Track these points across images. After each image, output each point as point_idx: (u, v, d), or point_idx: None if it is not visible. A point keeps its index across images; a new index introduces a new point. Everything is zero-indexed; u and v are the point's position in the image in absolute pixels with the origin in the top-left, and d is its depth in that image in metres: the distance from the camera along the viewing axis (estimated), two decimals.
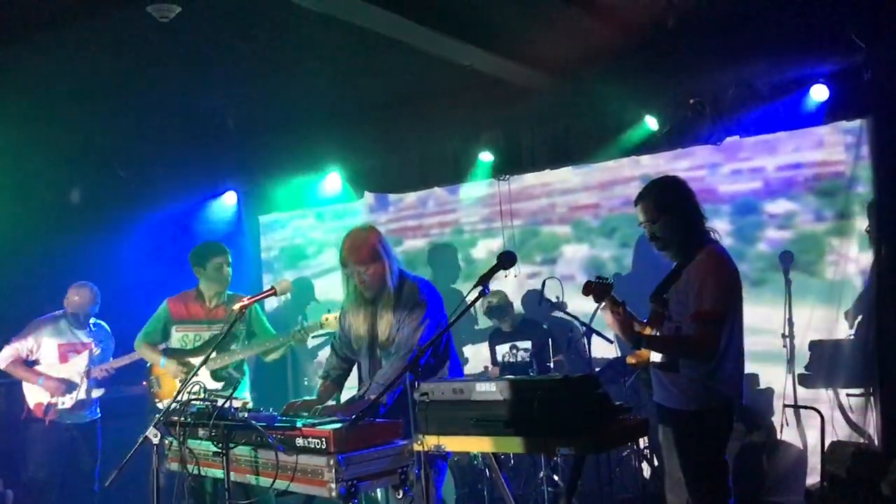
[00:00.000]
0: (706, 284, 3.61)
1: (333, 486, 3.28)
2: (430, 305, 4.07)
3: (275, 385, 7.73)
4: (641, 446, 6.57)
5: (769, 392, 6.39)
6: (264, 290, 4.18)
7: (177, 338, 5.37)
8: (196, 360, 5.13)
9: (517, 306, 7.19)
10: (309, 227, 8.69)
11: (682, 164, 6.60)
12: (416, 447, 3.25)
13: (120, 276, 7.04)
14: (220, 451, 3.58)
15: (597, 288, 3.84)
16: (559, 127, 6.72)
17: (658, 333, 3.79)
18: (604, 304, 3.84)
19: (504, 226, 7.52)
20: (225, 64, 6.08)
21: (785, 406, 6.07)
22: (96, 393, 6.20)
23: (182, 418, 3.71)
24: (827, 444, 5.54)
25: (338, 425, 3.43)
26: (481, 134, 6.98)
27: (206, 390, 3.98)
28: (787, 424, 6.04)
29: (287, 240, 8.82)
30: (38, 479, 6.06)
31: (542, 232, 7.43)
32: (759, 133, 6.27)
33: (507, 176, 7.38)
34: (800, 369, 6.21)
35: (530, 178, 7.42)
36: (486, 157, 6.99)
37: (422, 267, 7.81)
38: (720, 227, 6.29)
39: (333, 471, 3.28)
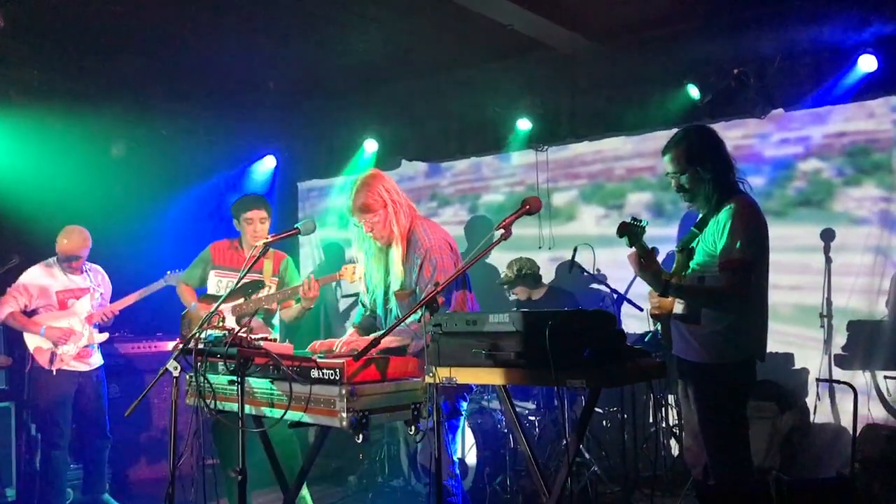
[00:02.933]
0: (734, 233, 3.54)
1: (344, 415, 3.29)
2: (442, 249, 3.99)
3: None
4: (670, 423, 6.50)
5: (804, 372, 6.24)
6: (289, 230, 4.16)
7: (213, 282, 5.41)
8: (223, 309, 5.14)
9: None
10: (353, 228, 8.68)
11: (734, 132, 6.42)
12: (428, 379, 3.22)
13: (156, 232, 7.13)
14: (235, 380, 3.60)
15: (631, 229, 3.77)
16: (601, 96, 6.62)
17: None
18: (633, 249, 3.76)
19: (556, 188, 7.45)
20: (268, 25, 6.11)
21: (818, 380, 5.91)
22: (100, 338, 6.15)
23: (200, 346, 3.72)
24: (861, 426, 5.39)
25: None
26: (520, 102, 6.91)
27: (223, 320, 3.98)
28: (820, 400, 5.88)
29: (324, 207, 8.84)
30: (47, 430, 6.02)
31: (606, 187, 7.26)
32: (803, 107, 6.11)
33: (545, 146, 7.32)
34: (837, 350, 6.06)
35: (581, 147, 7.30)
36: (524, 124, 6.92)
37: (478, 235, 7.73)
38: (757, 182, 6.26)
39: (345, 400, 3.28)
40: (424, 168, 8.18)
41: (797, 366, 6.28)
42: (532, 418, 6.11)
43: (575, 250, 6.06)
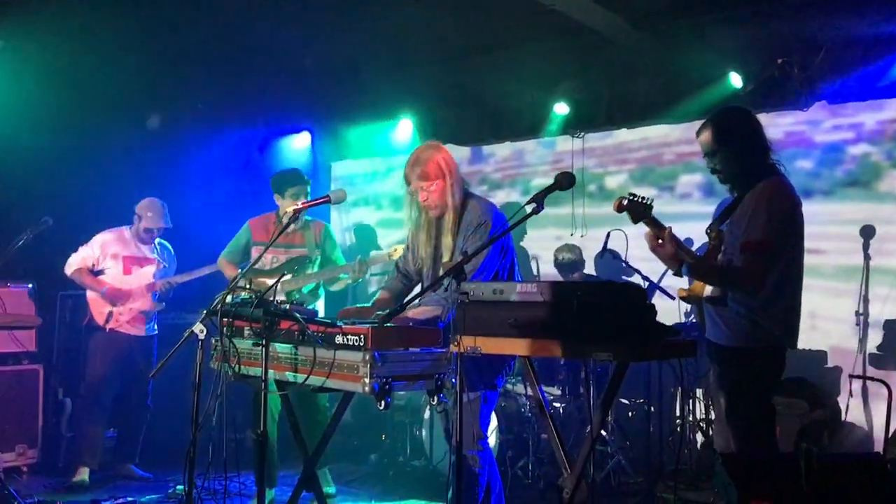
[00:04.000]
0: (757, 214, 3.45)
1: (367, 381, 3.26)
2: (495, 226, 3.96)
3: None
4: (697, 417, 6.41)
5: (837, 371, 6.12)
6: (319, 197, 4.17)
7: (254, 257, 5.51)
8: (270, 280, 5.23)
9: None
10: (381, 176, 8.68)
11: (786, 119, 6.31)
12: (453, 347, 3.18)
13: (190, 203, 7.16)
14: (259, 343, 3.59)
15: (630, 205, 3.70)
16: (639, 83, 6.54)
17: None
18: (649, 230, 3.68)
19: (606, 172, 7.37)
20: (307, 2, 6.10)
21: (852, 376, 5.78)
22: (157, 307, 6.31)
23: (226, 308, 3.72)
24: (894, 424, 5.27)
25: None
26: (558, 87, 6.84)
27: (250, 283, 3.98)
28: (852, 396, 5.76)
29: (358, 188, 8.82)
30: (94, 386, 6.18)
31: (657, 170, 7.13)
32: (847, 100, 5.99)
33: (582, 133, 7.24)
34: (872, 349, 5.94)
35: (624, 135, 7.20)
36: (561, 108, 6.84)
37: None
38: (805, 165, 6.23)
39: (368, 366, 3.26)
40: (467, 154, 8.12)
41: (830, 364, 6.16)
42: (557, 405, 6.05)
43: (608, 236, 5.97)
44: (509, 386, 6.08)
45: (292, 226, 5.33)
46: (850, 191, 6.18)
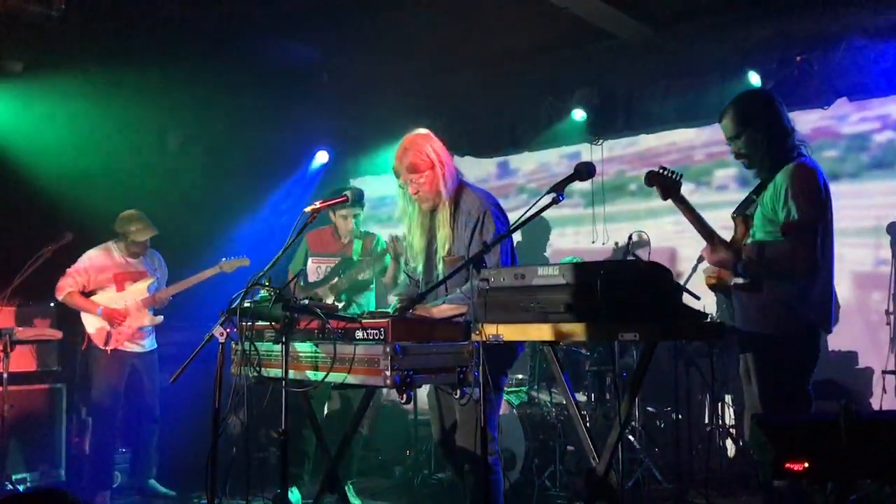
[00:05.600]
0: (793, 195, 3.39)
1: (388, 373, 3.20)
2: (496, 214, 3.80)
3: None
4: (727, 423, 6.29)
5: (868, 372, 5.99)
6: (337, 198, 4.17)
7: (312, 268, 5.76)
8: (321, 291, 5.57)
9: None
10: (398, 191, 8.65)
11: (812, 116, 6.22)
12: (474, 336, 3.11)
13: (211, 220, 7.20)
14: (279, 341, 3.54)
15: (659, 179, 3.63)
16: (658, 86, 6.50)
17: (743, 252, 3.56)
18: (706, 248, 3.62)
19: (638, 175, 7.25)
20: (320, 16, 6.14)
21: (885, 372, 5.65)
22: (155, 321, 6.17)
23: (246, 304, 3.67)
24: None
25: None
26: (574, 94, 6.81)
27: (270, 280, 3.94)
28: (886, 392, 5.62)
29: (376, 205, 8.80)
30: (101, 408, 6.04)
31: (691, 168, 6.96)
32: (869, 96, 5.93)
33: (601, 140, 7.19)
34: None
35: (651, 140, 7.12)
36: (578, 114, 6.81)
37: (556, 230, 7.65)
38: (831, 154, 6.15)
39: (389, 358, 3.20)
40: (494, 169, 8.09)
41: (861, 365, 6.03)
42: (583, 412, 5.94)
43: (630, 238, 5.88)
44: (534, 393, 5.99)
45: (347, 237, 5.73)
46: (876, 172, 6.08)
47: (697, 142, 6.93)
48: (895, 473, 2.08)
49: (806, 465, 1.96)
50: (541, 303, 2.95)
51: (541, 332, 3.00)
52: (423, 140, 3.87)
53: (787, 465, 1.97)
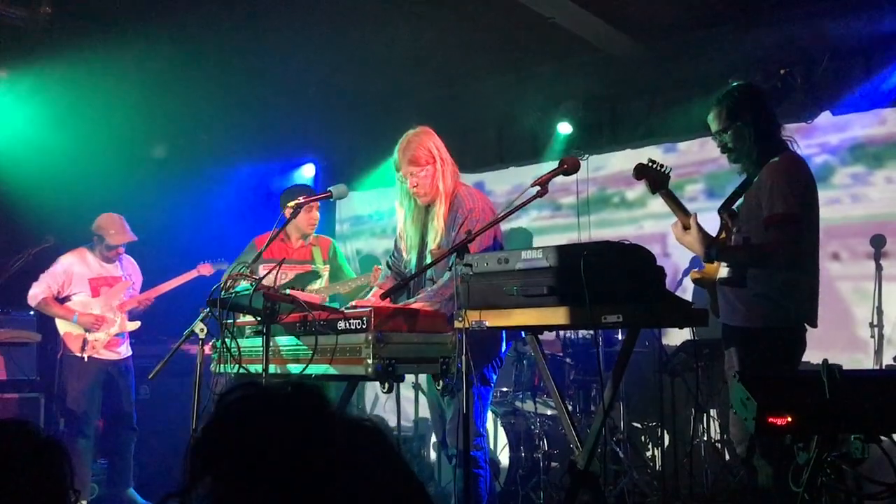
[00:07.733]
0: (777, 186, 3.39)
1: (370, 361, 3.18)
2: (485, 213, 3.86)
3: None
4: (712, 437, 6.23)
5: None
6: (320, 193, 4.13)
7: (262, 273, 5.38)
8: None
9: None
10: (387, 204, 8.64)
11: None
12: (457, 324, 3.08)
13: (188, 224, 7.16)
14: (261, 330, 3.50)
15: (648, 171, 3.63)
16: (643, 100, 6.54)
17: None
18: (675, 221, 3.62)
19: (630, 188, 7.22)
20: (307, 27, 6.15)
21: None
22: (131, 326, 6.09)
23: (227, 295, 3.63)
24: None
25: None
26: (559, 108, 6.83)
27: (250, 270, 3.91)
28: None
29: (362, 216, 8.77)
30: (76, 417, 5.92)
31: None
32: (854, 110, 5.96)
33: (586, 154, 7.19)
34: (888, 360, 5.79)
35: (649, 153, 7.02)
36: (564, 128, 6.83)
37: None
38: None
39: (371, 346, 3.17)
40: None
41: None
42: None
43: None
44: (518, 403, 5.94)
45: (300, 241, 5.42)
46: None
47: (682, 160, 6.87)
48: (877, 428, 2.06)
49: (789, 419, 1.93)
50: (524, 286, 2.92)
51: (524, 316, 2.98)
52: (426, 136, 3.97)
53: (771, 419, 1.94)
